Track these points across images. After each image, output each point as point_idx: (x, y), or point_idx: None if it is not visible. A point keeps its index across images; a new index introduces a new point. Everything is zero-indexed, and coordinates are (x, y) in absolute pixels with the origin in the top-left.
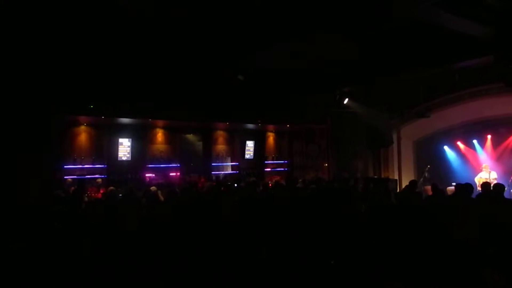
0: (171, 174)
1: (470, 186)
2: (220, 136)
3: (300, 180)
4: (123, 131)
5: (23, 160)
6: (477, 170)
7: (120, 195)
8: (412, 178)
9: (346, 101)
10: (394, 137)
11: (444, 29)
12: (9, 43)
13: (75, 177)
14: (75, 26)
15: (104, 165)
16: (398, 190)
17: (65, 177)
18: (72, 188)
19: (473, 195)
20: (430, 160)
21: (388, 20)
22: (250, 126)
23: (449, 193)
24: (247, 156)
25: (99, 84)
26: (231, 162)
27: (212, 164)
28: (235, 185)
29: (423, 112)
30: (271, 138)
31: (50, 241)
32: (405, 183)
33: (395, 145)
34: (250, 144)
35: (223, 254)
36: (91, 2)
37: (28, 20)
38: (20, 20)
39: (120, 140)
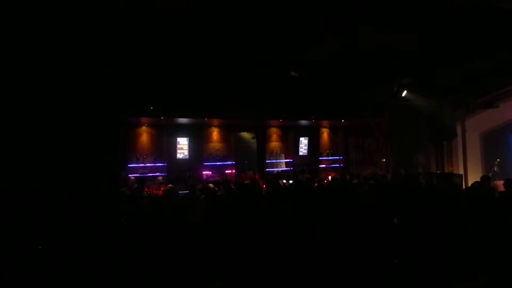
0: (226, 171)
1: None
2: (274, 133)
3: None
4: (181, 130)
5: (94, 160)
6: None
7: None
8: (479, 173)
9: (404, 93)
10: (458, 129)
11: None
12: (80, 53)
13: (138, 175)
14: (134, 31)
15: (164, 163)
16: (464, 186)
17: (129, 175)
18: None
19: None
20: (499, 153)
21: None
22: (304, 122)
23: None
24: (301, 153)
25: (158, 86)
26: (285, 159)
27: (267, 161)
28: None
29: (490, 102)
30: (325, 133)
31: (118, 236)
32: (471, 178)
33: (459, 138)
34: (304, 141)
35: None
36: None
37: (90, 28)
38: (82, 28)
39: (178, 139)
